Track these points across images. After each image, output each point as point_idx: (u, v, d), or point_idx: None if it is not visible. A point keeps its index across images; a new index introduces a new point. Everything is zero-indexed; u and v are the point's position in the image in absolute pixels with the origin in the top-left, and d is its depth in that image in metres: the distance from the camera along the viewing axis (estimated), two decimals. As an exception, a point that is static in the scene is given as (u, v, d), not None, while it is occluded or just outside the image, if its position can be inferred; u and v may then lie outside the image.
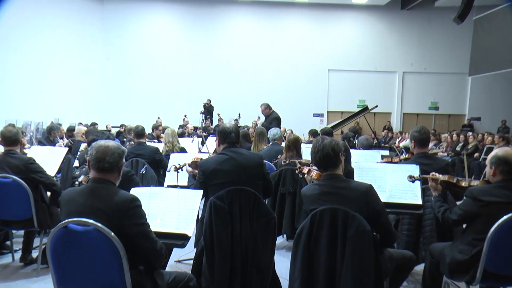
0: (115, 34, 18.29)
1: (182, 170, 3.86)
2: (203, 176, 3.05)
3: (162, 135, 7.86)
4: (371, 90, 18.79)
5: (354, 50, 18.74)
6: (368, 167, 3.45)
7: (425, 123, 18.97)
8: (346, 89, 18.91)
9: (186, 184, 4.04)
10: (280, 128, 7.80)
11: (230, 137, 3.17)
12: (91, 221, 2.12)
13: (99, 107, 17.62)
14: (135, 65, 18.36)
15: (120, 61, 18.35)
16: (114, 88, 18.32)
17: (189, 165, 3.58)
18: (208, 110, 17.13)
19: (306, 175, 3.19)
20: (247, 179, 3.01)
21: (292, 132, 9.54)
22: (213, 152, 3.79)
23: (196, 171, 3.49)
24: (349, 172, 3.47)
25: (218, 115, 16.69)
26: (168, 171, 3.77)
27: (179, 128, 12.12)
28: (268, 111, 8.71)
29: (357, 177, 3.33)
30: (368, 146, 5.26)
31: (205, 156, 3.59)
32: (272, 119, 8.53)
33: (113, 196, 2.22)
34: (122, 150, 2.38)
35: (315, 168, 3.07)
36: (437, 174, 3.09)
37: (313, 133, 7.40)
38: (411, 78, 19.11)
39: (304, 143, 5.61)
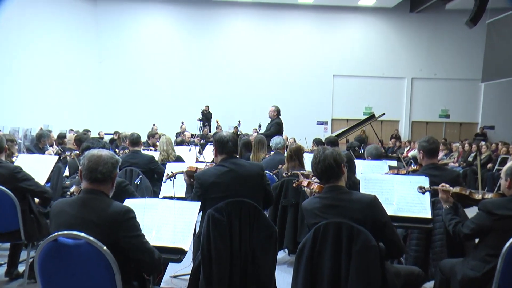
0: (108, 36, 18.41)
1: (175, 178, 3.87)
2: (201, 189, 3.06)
3: (158, 143, 7.89)
4: (378, 97, 18.86)
5: (360, 54, 18.85)
6: (374, 178, 3.46)
7: (435, 131, 18.99)
8: (352, 96, 18.98)
9: (183, 195, 4.04)
10: (280, 134, 7.82)
11: (228, 146, 3.19)
12: (82, 234, 2.13)
13: (91, 113, 17.68)
14: (130, 69, 18.45)
15: (114, 65, 18.45)
16: (108, 93, 18.40)
17: (185, 173, 3.57)
18: (206, 117, 17.18)
19: (306, 188, 3.20)
20: (248, 191, 3.03)
21: (295, 140, 9.55)
22: (211, 162, 3.81)
23: (192, 180, 3.50)
24: (354, 184, 3.48)
25: (217, 122, 16.73)
26: (164, 182, 3.77)
27: (177, 136, 12.15)
28: (275, 115, 8.73)
29: (363, 189, 3.34)
30: (377, 156, 5.21)
31: (201, 166, 3.61)
32: (273, 123, 8.57)
33: (106, 207, 2.23)
34: (115, 159, 2.40)
35: (316, 180, 3.08)
36: (448, 186, 3.10)
37: (317, 142, 7.42)
38: (420, 85, 19.17)
39: (308, 152, 5.61)
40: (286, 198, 4.61)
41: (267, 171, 4.59)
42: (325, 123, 19.11)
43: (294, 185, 3.43)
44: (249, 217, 2.94)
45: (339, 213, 2.48)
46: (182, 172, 3.67)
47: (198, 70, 18.63)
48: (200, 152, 7.60)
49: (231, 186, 3.03)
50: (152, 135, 8.33)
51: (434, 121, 19.47)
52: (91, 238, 2.12)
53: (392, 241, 2.51)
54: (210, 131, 16.56)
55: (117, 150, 8.56)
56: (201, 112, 17.14)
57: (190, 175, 3.51)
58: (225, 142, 3.19)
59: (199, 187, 3.10)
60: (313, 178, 3.27)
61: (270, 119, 8.81)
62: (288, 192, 4.60)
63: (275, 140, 5.98)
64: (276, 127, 8.45)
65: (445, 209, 3.07)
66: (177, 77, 18.59)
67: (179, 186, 3.66)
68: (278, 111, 8.70)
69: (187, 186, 3.52)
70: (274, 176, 5.16)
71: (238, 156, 3.30)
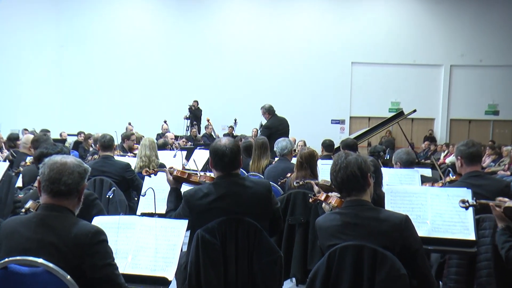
0: (72, 15, 18.41)
1: (155, 175, 3.88)
2: (190, 215, 3.06)
3: (136, 146, 7.89)
4: (407, 90, 18.87)
5: (385, 37, 18.88)
6: (403, 191, 3.47)
7: (480, 132, 19.02)
8: (375, 88, 19.00)
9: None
10: (275, 137, 7.83)
11: (223, 162, 3.15)
12: (40, 260, 2.13)
13: (51, 109, 17.73)
14: (99, 56, 18.48)
15: (78, 50, 18.47)
16: (72, 84, 18.43)
17: (172, 174, 3.56)
18: (194, 115, 17.19)
19: (324, 205, 3.20)
20: (252, 219, 3.02)
21: (304, 144, 9.57)
22: (205, 172, 3.81)
23: (179, 182, 3.50)
24: (379, 198, 3.49)
25: (208, 121, 16.74)
26: (143, 195, 3.77)
27: (158, 138, 12.11)
28: (267, 116, 8.81)
29: (389, 205, 3.35)
30: (409, 164, 5.18)
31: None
32: (263, 127, 8.72)
33: (71, 227, 2.24)
34: (83, 168, 2.41)
35: (336, 194, 3.09)
36: (505, 199, 3.04)
37: (327, 145, 7.42)
38: (461, 74, 19.20)
39: (322, 158, 5.62)
40: (293, 215, 4.60)
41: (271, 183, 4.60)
42: (342, 122, 19.12)
43: (310, 200, 3.42)
44: (248, 239, 2.95)
45: (361, 234, 2.49)
46: (164, 171, 3.67)
47: (185, 58, 18.67)
48: (188, 158, 7.61)
49: (231, 212, 3.02)
50: (127, 136, 8.32)
51: (479, 119, 19.50)
52: (51, 265, 2.12)
53: (422, 274, 2.52)
54: (199, 132, 16.57)
55: (84, 155, 8.57)
56: (188, 109, 17.15)
57: (178, 178, 3.50)
58: (220, 156, 3.15)
59: (188, 210, 3.10)
60: (332, 193, 3.28)
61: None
62: (296, 208, 4.60)
63: (280, 144, 5.98)
64: (264, 131, 8.52)
65: (500, 229, 3.05)
66: (158, 66, 18.63)
67: (162, 200, 3.66)
68: (270, 110, 8.79)
69: (170, 190, 3.51)
70: (279, 187, 5.17)
71: (240, 167, 3.29)
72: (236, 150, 3.20)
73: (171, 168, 3.62)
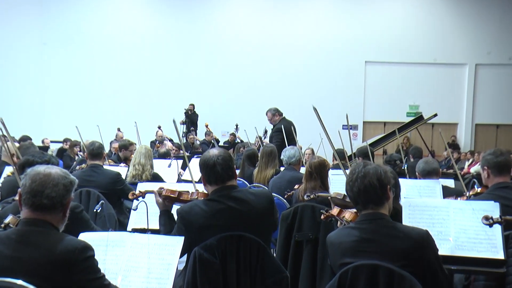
0: (56, 10, 18.48)
1: (143, 197, 3.88)
2: (186, 233, 3.05)
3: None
4: (427, 92, 18.85)
5: (402, 33, 18.84)
6: (422, 204, 3.47)
7: (509, 138, 18.94)
8: (391, 90, 18.96)
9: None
10: (288, 144, 7.83)
11: (215, 172, 3.16)
12: (19, 281, 2.13)
13: (33, 113, 17.76)
14: (86, 55, 18.52)
15: (63, 49, 18.50)
16: (55, 86, 18.47)
17: (160, 195, 3.56)
18: (191, 120, 17.19)
19: (338, 222, 3.19)
20: (252, 232, 3.03)
21: (312, 152, 9.57)
22: (197, 183, 3.81)
23: (169, 203, 3.51)
24: (396, 212, 3.48)
25: (206, 126, 16.75)
26: (135, 210, 3.78)
27: (152, 146, 12.10)
28: (276, 118, 8.81)
29: (407, 219, 3.35)
30: (428, 174, 5.16)
31: (186, 187, 3.60)
32: (274, 131, 8.67)
33: (55, 244, 2.25)
34: (69, 180, 2.43)
35: (351, 210, 3.08)
36: None
37: (339, 154, 7.44)
38: (487, 73, 19.17)
39: (333, 168, 5.63)
40: (301, 231, 4.59)
41: (274, 195, 4.60)
42: (354, 127, 19.08)
43: (322, 217, 3.41)
44: (251, 258, 2.95)
45: (377, 252, 2.51)
46: (152, 192, 3.67)
47: (181, 58, 18.67)
48: (184, 167, 7.61)
49: (230, 230, 3.03)
50: (125, 146, 8.14)
51: (508, 124, 19.39)
52: (31, 287, 2.12)
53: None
54: (196, 139, 16.55)
55: (70, 164, 8.56)
56: (185, 113, 17.14)
57: (168, 198, 3.50)
58: (211, 167, 3.16)
59: (183, 228, 3.10)
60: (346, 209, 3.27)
61: (272, 126, 8.93)
62: (304, 223, 4.59)
63: (288, 152, 6.00)
64: (277, 136, 8.51)
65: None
66: (150, 65, 18.64)
67: (155, 215, 3.66)
68: (278, 112, 8.82)
69: (161, 213, 3.51)
70: (285, 200, 5.17)
71: (236, 178, 3.30)
72: (228, 158, 3.22)
73: (161, 188, 3.61)
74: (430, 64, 18.96)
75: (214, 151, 3.25)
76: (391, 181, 2.74)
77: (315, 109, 4.22)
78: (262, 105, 17.80)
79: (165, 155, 8.51)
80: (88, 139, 8.27)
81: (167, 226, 3.40)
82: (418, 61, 18.89)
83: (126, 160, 7.76)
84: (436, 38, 18.90)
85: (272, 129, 9.13)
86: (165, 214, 3.49)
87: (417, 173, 5.30)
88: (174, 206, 3.55)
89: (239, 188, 3.24)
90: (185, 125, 17.08)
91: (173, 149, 12.00)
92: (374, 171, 2.67)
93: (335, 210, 3.24)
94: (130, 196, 3.93)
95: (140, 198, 3.83)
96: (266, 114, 9.10)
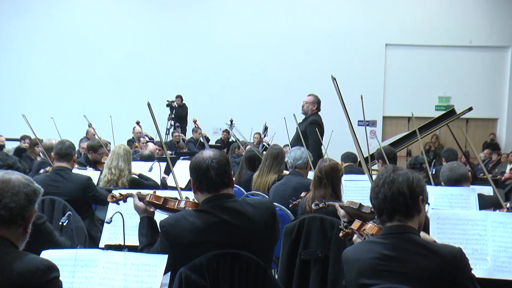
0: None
1: (125, 201, 3.88)
2: (172, 251, 3.04)
3: (105, 159, 7.89)
4: (460, 81, 18.86)
5: (429, 11, 18.85)
6: (454, 217, 3.47)
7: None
8: (417, 79, 18.97)
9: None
10: (320, 140, 7.78)
11: (209, 178, 3.16)
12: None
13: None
14: (48, 36, 18.59)
15: (21, 28, 18.55)
16: (11, 73, 18.51)
17: (143, 200, 3.55)
18: (177, 115, 17.14)
19: (355, 236, 3.19)
20: (250, 250, 3.04)
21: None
22: (186, 190, 3.81)
23: (152, 209, 3.51)
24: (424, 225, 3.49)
25: (194, 122, 16.74)
26: (109, 223, 3.77)
27: (128, 144, 12.06)
28: (314, 109, 8.58)
29: (435, 234, 3.35)
30: (456, 183, 5.14)
31: (171, 194, 3.60)
32: (309, 122, 8.33)
33: (12, 263, 2.24)
34: (33, 189, 2.41)
35: (373, 221, 3.08)
36: None
37: (345, 157, 7.43)
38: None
39: (347, 173, 5.63)
40: (308, 247, 4.59)
41: (276, 205, 4.59)
42: (372, 123, 19.08)
43: (341, 234, 3.38)
44: (247, 280, 2.95)
45: (401, 272, 2.51)
46: (131, 195, 3.68)
47: (165, 40, 18.77)
48: (167, 172, 7.60)
49: (223, 247, 3.03)
50: (94, 148, 7.99)
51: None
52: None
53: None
54: (183, 137, 16.53)
55: (42, 170, 8.52)
56: (169, 106, 17.05)
57: (151, 205, 3.49)
58: (204, 171, 3.16)
59: (167, 245, 3.09)
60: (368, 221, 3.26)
61: (304, 116, 8.60)
62: (312, 238, 4.59)
63: (294, 153, 5.98)
64: (315, 130, 8.08)
65: None
66: (129, 49, 18.72)
67: (133, 228, 3.66)
68: (318, 104, 8.60)
69: (142, 221, 3.50)
70: (289, 211, 5.16)
71: (233, 185, 3.30)
72: (224, 162, 3.21)
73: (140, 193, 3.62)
74: (463, 47, 18.95)
75: (208, 153, 3.23)
76: (425, 192, 2.73)
77: (333, 79, 4.13)
78: (261, 97, 17.93)
79: (149, 158, 8.38)
80: (50, 138, 8.23)
81: (148, 237, 3.38)
82: (449, 43, 18.88)
83: (96, 164, 7.72)
84: (472, 16, 18.89)
85: (304, 120, 8.72)
86: (147, 221, 3.48)
87: (442, 183, 5.27)
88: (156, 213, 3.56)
89: (235, 198, 3.24)
90: (171, 121, 16.98)
91: (157, 149, 11.98)
92: (405, 177, 2.67)
93: (356, 224, 3.21)
94: (108, 199, 3.93)
95: (121, 203, 3.84)
96: (308, 96, 8.82)
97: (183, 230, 3.07)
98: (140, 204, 3.52)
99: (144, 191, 3.71)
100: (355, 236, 3.22)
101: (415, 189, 2.67)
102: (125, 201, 3.86)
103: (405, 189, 2.64)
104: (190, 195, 3.60)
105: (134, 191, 3.67)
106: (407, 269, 2.52)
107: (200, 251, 2.99)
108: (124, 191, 3.89)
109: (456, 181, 5.07)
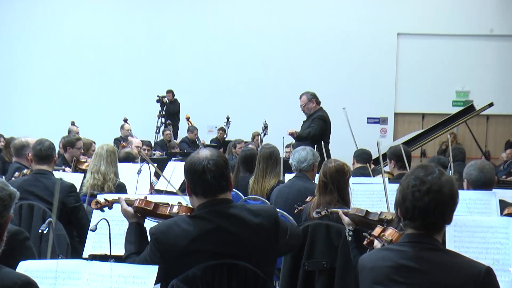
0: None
1: (110, 208, 3.87)
2: (163, 262, 3.05)
3: (84, 159, 7.87)
4: (480, 74, 18.84)
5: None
6: (473, 224, 3.47)
7: None
8: (432, 72, 18.94)
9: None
10: (325, 140, 7.82)
11: (205, 181, 3.16)
12: None
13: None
14: (31, 30, 18.67)
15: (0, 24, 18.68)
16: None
17: (132, 205, 3.55)
18: (169, 111, 17.12)
19: (376, 242, 3.22)
20: (249, 260, 3.04)
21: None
22: (181, 192, 3.81)
23: (139, 215, 3.51)
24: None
25: (188, 119, 16.73)
26: (93, 231, 3.77)
27: (115, 144, 12.06)
28: (312, 106, 8.73)
29: (451, 242, 3.35)
30: (481, 185, 5.08)
31: (163, 199, 3.60)
32: (315, 118, 8.51)
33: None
34: (8, 193, 2.41)
35: (393, 228, 3.08)
36: None
37: (359, 155, 7.42)
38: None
39: (355, 176, 5.63)
40: (312, 257, 4.60)
41: (279, 211, 4.59)
42: (383, 120, 19.09)
43: (365, 242, 3.40)
44: (246, 293, 2.96)
45: (416, 284, 2.52)
46: (118, 201, 3.68)
47: (156, 32, 18.83)
48: (157, 175, 7.60)
49: (220, 257, 3.03)
50: (71, 142, 8.03)
51: None
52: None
53: None
54: (174, 137, 16.52)
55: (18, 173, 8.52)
56: (160, 102, 17.01)
57: (140, 210, 3.48)
58: (200, 173, 3.15)
59: (158, 255, 3.09)
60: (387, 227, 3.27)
61: (306, 116, 8.83)
62: (316, 247, 4.60)
63: (298, 155, 5.96)
64: (319, 123, 8.35)
65: None
66: (114, 41, 18.77)
67: (120, 237, 3.66)
68: (316, 99, 8.75)
69: (130, 226, 3.49)
70: (291, 218, 5.16)
71: (231, 189, 3.30)
72: (222, 163, 3.21)
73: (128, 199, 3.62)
74: (484, 37, 18.92)
75: (204, 153, 3.23)
76: (458, 199, 2.70)
77: (345, 111, 4.13)
78: (260, 92, 17.93)
79: (126, 159, 8.25)
80: (30, 136, 8.21)
81: (136, 245, 3.37)
82: (468, 32, 18.83)
83: (77, 164, 7.68)
84: (493, 1, 18.91)
85: (308, 118, 9.00)
86: (135, 227, 3.48)
87: (466, 182, 5.20)
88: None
89: (233, 203, 3.24)
90: (162, 119, 16.90)
91: (145, 149, 11.97)
92: (450, 184, 2.64)
93: (378, 230, 3.22)
94: (92, 206, 3.93)
95: (106, 209, 3.83)
96: (300, 98, 9.01)
97: (176, 238, 3.07)
98: (129, 208, 3.51)
99: (132, 196, 3.71)
100: (376, 242, 3.23)
101: (456, 200, 2.66)
102: (110, 207, 3.85)
103: (448, 200, 2.61)
104: (183, 200, 3.60)
105: (122, 196, 3.66)
106: (425, 281, 2.52)
107: (194, 261, 3.00)
108: (109, 196, 3.88)
109: (483, 184, 4.98)
